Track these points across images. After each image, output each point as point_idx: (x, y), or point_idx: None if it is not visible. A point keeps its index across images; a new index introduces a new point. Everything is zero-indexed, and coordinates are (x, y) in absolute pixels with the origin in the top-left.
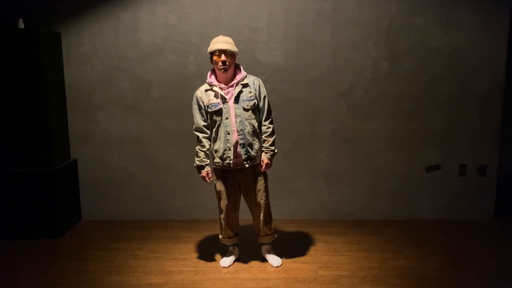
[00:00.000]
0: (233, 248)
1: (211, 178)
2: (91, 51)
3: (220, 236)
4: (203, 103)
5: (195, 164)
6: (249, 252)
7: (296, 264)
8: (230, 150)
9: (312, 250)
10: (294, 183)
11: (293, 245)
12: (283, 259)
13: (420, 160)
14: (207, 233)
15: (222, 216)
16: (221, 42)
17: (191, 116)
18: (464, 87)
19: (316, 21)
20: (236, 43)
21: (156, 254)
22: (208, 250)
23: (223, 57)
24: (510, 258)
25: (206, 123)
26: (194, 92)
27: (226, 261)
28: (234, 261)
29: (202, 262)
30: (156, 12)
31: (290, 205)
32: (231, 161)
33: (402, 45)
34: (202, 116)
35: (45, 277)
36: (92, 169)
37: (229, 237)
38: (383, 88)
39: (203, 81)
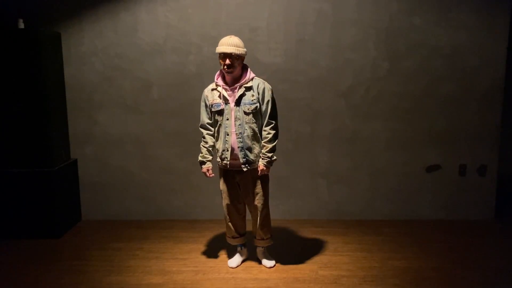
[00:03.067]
0: (241, 249)
1: (212, 175)
2: (91, 51)
3: (226, 236)
4: (208, 101)
5: (198, 160)
6: (249, 252)
7: (296, 264)
8: (227, 151)
9: (312, 250)
10: (294, 183)
11: (293, 245)
12: (283, 259)
13: (420, 160)
14: (207, 233)
15: (224, 215)
16: (227, 45)
17: (191, 116)
18: (464, 87)
19: (316, 21)
20: None
21: (156, 254)
22: (208, 250)
23: (227, 61)
24: (510, 258)
25: (210, 121)
26: (194, 92)
27: (233, 261)
28: (243, 262)
29: (202, 262)
30: (156, 12)
31: (290, 205)
32: (227, 162)
33: (402, 45)
34: (207, 114)
35: (45, 277)
36: (92, 169)
37: (233, 237)
38: (383, 88)
39: (203, 81)
